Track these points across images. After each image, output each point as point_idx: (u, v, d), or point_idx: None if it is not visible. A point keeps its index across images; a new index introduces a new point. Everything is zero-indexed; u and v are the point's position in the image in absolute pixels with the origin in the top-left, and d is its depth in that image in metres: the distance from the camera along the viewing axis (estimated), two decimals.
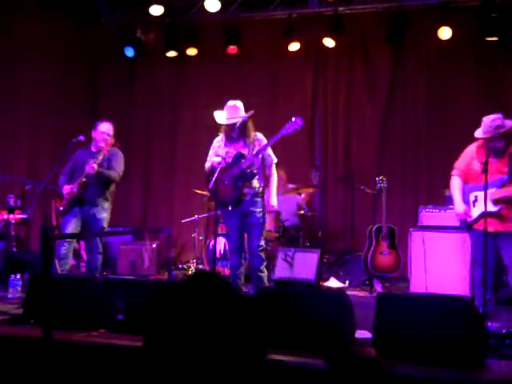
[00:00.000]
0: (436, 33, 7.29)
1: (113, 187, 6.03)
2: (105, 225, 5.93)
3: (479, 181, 4.96)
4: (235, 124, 5.29)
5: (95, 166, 5.71)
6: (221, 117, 5.42)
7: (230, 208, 5.27)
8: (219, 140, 5.45)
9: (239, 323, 1.38)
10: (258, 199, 5.28)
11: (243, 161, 5.24)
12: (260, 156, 5.32)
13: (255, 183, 5.29)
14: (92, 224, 5.86)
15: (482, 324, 3.63)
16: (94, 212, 5.85)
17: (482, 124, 4.94)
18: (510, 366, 3.48)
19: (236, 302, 1.40)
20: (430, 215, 6.32)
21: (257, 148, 5.31)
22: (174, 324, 1.35)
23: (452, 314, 3.48)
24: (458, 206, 5.04)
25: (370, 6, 7.73)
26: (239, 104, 5.40)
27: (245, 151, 5.29)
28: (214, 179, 5.10)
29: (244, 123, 5.29)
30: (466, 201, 5.05)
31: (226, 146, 5.36)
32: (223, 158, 5.23)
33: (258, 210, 5.26)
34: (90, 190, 5.82)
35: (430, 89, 7.75)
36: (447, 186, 5.43)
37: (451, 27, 7.21)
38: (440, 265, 6.05)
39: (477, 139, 5.04)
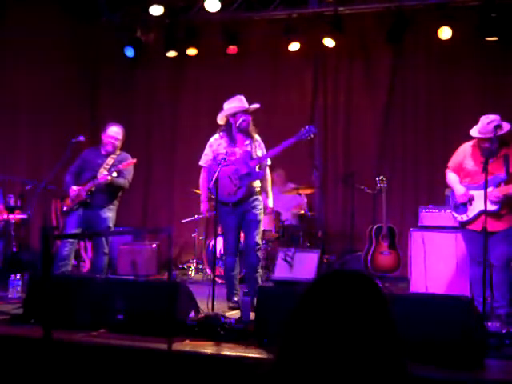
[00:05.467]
0: (436, 33, 7.28)
1: (120, 193, 6.03)
2: (110, 224, 5.91)
3: (474, 180, 4.99)
4: (246, 123, 5.30)
5: (109, 177, 5.69)
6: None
7: (230, 206, 5.26)
8: (217, 138, 5.44)
9: (385, 329, 1.25)
10: (258, 197, 5.35)
11: (252, 160, 5.26)
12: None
13: (256, 182, 5.32)
14: (97, 224, 5.84)
15: (481, 324, 3.63)
16: (98, 212, 5.84)
17: (480, 124, 4.95)
18: (509, 366, 3.48)
19: (384, 306, 1.27)
20: (430, 215, 6.32)
21: (258, 149, 5.36)
22: (319, 328, 1.22)
23: (452, 314, 3.48)
24: (460, 189, 5.08)
25: (370, 6, 7.72)
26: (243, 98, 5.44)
27: (250, 150, 5.33)
28: (214, 178, 5.10)
29: (249, 123, 5.32)
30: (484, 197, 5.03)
31: (229, 145, 5.35)
32: (223, 158, 5.22)
33: (259, 207, 5.31)
34: (98, 196, 5.81)
35: (429, 89, 7.75)
36: (447, 186, 5.45)
37: (451, 27, 7.21)
38: (440, 265, 6.05)
39: (471, 138, 5.07)
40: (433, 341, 3.42)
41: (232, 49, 8.15)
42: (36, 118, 7.69)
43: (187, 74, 8.68)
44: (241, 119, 5.30)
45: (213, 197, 5.33)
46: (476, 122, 5.03)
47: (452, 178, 5.22)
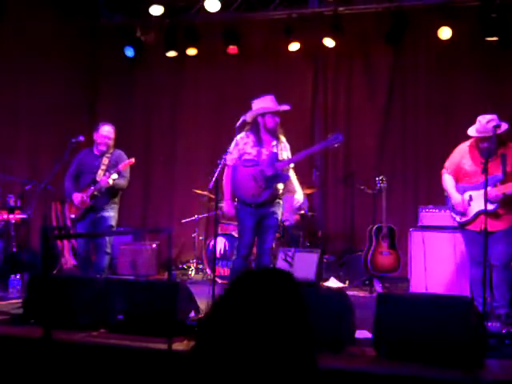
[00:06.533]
0: (436, 33, 7.28)
1: (121, 191, 6.05)
2: (113, 223, 5.93)
3: (472, 180, 4.99)
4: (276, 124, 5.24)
5: (110, 181, 5.71)
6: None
7: (253, 207, 5.13)
8: (244, 137, 5.28)
9: (299, 328, 1.32)
10: (280, 202, 5.29)
11: (278, 162, 5.18)
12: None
13: (280, 185, 5.26)
14: (100, 223, 5.87)
15: (481, 324, 3.63)
16: (101, 213, 5.88)
17: (478, 123, 4.95)
18: (510, 366, 3.48)
19: (299, 305, 1.34)
20: (430, 215, 6.32)
21: (283, 151, 5.30)
22: (235, 322, 1.29)
23: (452, 314, 3.48)
24: (456, 197, 5.07)
25: (370, 6, 7.72)
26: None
27: (276, 152, 5.25)
28: (214, 178, 5.08)
29: (277, 124, 5.25)
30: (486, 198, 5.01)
31: (255, 145, 5.24)
32: (223, 158, 5.18)
33: (279, 212, 5.27)
34: (100, 199, 5.83)
35: (429, 89, 7.75)
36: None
37: (451, 27, 7.21)
38: (440, 265, 6.06)
39: (469, 138, 5.07)
40: (433, 341, 3.42)
41: (232, 49, 8.15)
42: (36, 117, 7.69)
43: (187, 74, 8.68)
44: (269, 119, 5.21)
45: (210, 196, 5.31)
46: (475, 121, 5.03)
47: (448, 181, 5.19)
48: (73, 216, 5.91)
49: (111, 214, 5.91)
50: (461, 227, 5.15)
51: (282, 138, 5.37)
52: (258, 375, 1.24)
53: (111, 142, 5.98)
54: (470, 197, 4.99)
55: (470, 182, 5.01)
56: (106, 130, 5.96)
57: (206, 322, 1.35)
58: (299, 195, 5.43)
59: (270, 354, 1.25)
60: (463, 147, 5.17)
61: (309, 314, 1.35)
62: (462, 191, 5.07)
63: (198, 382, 1.28)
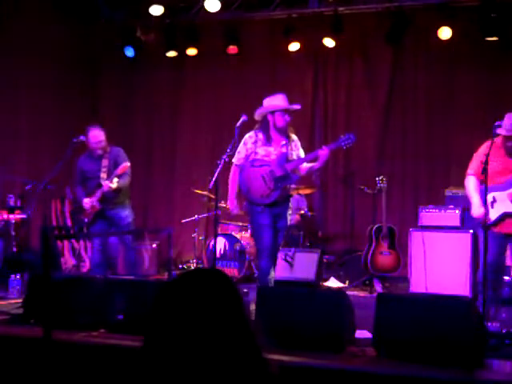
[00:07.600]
0: (436, 33, 7.28)
1: (127, 184, 6.08)
2: (130, 220, 6.08)
3: (496, 181, 4.80)
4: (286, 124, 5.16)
5: (112, 185, 5.76)
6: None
7: (262, 207, 5.05)
8: (252, 135, 5.19)
9: (238, 322, 1.36)
10: (289, 203, 5.25)
11: (288, 163, 5.12)
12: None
13: (289, 185, 5.22)
14: (118, 223, 5.99)
15: (481, 324, 3.63)
16: (117, 210, 5.98)
17: (506, 120, 4.77)
18: (510, 366, 3.48)
19: (236, 300, 1.39)
20: (430, 215, 6.32)
21: (294, 150, 5.24)
22: (174, 322, 1.34)
23: (452, 314, 3.48)
24: (477, 208, 4.88)
25: (370, 6, 7.72)
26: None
27: (286, 152, 5.18)
28: (214, 178, 5.06)
29: (287, 123, 5.17)
30: (483, 202, 4.92)
31: (264, 144, 5.16)
32: (224, 158, 5.16)
33: (289, 212, 5.23)
34: (110, 198, 5.91)
35: (429, 89, 7.75)
36: (447, 185, 5.40)
37: (451, 27, 7.21)
38: (440, 265, 6.05)
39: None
40: (433, 341, 3.42)
41: (232, 49, 8.15)
42: (36, 118, 7.70)
43: (187, 74, 8.68)
44: (279, 118, 5.12)
45: (212, 196, 5.29)
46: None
47: (470, 185, 4.98)
48: (86, 220, 5.99)
49: (126, 212, 6.05)
50: (482, 227, 4.99)
51: (293, 137, 5.31)
52: (203, 372, 1.29)
53: (103, 144, 5.96)
54: (494, 198, 4.82)
55: (494, 182, 4.78)
56: (95, 135, 5.94)
57: (148, 321, 1.41)
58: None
59: (212, 351, 1.30)
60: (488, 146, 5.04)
61: (246, 311, 1.39)
62: (485, 193, 4.95)
63: (148, 379, 1.36)
